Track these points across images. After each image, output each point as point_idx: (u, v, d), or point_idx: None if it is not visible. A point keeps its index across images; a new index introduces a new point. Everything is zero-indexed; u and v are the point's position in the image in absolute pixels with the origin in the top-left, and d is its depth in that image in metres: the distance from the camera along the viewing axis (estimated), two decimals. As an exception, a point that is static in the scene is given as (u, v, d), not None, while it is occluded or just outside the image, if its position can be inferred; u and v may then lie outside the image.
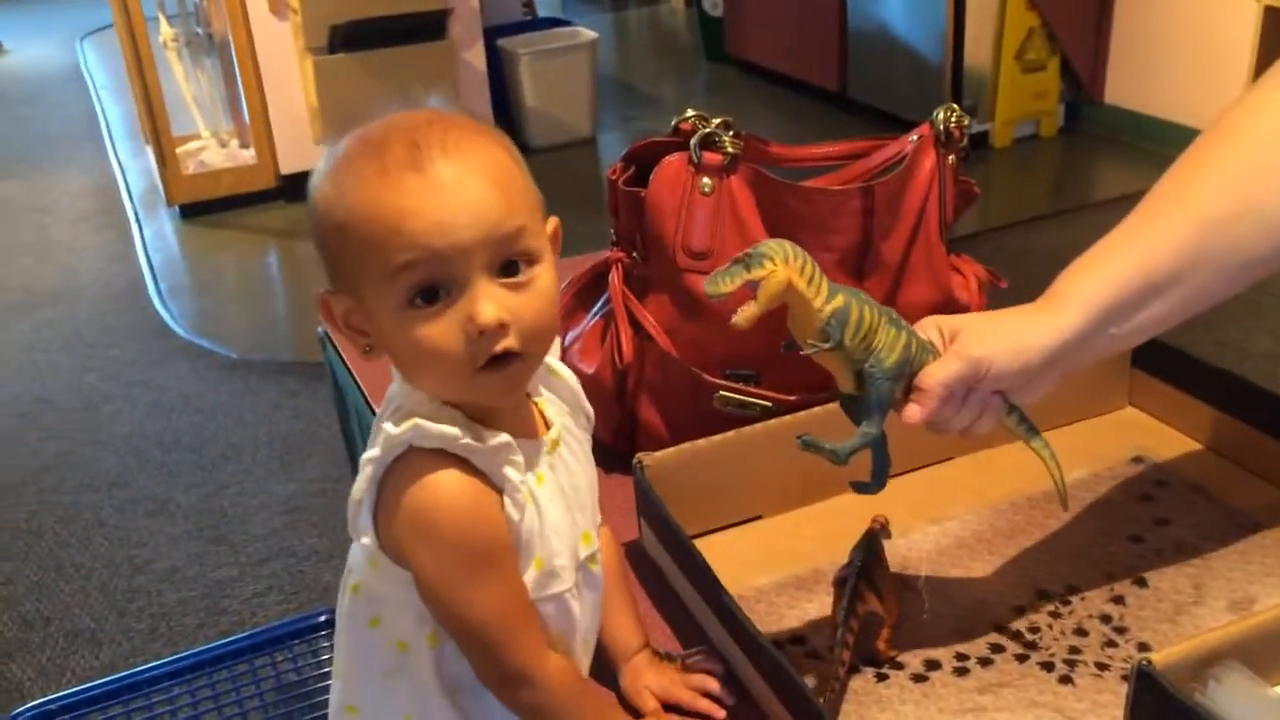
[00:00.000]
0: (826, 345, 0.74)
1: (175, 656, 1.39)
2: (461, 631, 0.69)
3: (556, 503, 0.72)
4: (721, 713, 0.80)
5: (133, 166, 4.74)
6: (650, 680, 0.82)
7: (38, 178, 4.76)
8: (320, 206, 0.68)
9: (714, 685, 0.81)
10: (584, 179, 4.35)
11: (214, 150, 4.27)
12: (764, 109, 4.92)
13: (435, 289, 0.65)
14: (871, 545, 0.85)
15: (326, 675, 1.35)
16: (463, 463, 0.66)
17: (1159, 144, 4.04)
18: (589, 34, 4.61)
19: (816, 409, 0.99)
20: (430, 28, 4.01)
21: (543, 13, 5.22)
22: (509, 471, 0.68)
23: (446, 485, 0.66)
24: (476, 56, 4.23)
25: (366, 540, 0.69)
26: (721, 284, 0.72)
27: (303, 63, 3.98)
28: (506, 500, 0.68)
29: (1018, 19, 4.06)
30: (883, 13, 4.38)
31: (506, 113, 4.52)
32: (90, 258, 3.97)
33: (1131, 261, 0.80)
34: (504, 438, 0.68)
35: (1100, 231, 0.84)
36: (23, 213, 4.41)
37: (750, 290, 0.72)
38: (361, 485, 0.68)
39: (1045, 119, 4.30)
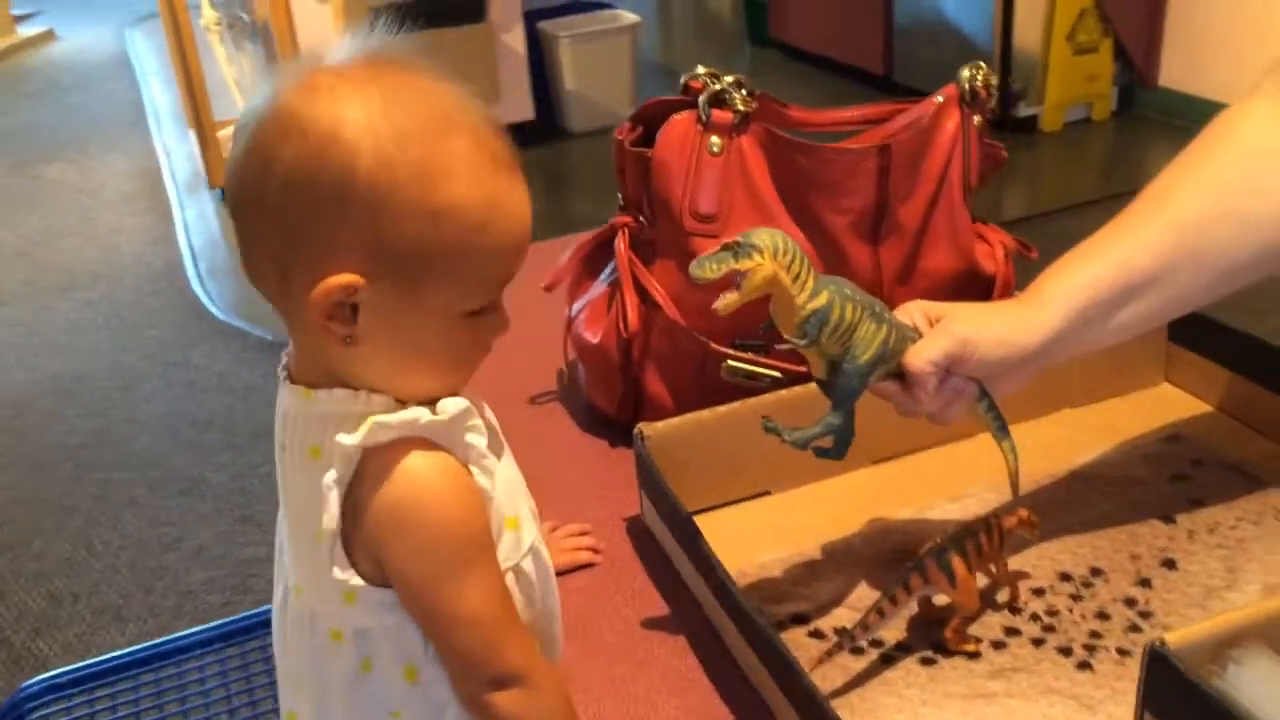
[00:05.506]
0: (802, 342, 0.74)
1: (180, 634, 1.38)
2: (454, 630, 0.62)
3: (499, 455, 0.67)
4: (597, 555, 0.91)
5: (178, 151, 4.76)
6: None
7: (84, 161, 4.80)
8: (403, 178, 0.57)
9: (586, 540, 0.91)
10: (623, 163, 4.30)
11: (256, 134, 4.28)
12: (808, 92, 4.83)
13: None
14: (972, 529, 0.78)
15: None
16: (425, 443, 0.61)
17: (1215, 127, 3.92)
18: (631, 17, 4.56)
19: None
20: (470, 10, 3.98)
21: (585, -4, 5.19)
22: (471, 438, 0.62)
23: (422, 469, 0.60)
24: (516, 39, 4.19)
25: (340, 573, 0.62)
26: (707, 269, 0.71)
27: (342, 45, 3.98)
28: (474, 470, 0.63)
29: (1069, 0, 3.95)
30: (930, -7, 4.29)
31: (546, 97, 4.49)
32: (132, 240, 4.00)
33: (1111, 264, 0.79)
34: (461, 402, 0.62)
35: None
36: (68, 195, 4.46)
37: (736, 277, 0.71)
38: (333, 512, 0.60)
39: (1098, 102, 4.18)
